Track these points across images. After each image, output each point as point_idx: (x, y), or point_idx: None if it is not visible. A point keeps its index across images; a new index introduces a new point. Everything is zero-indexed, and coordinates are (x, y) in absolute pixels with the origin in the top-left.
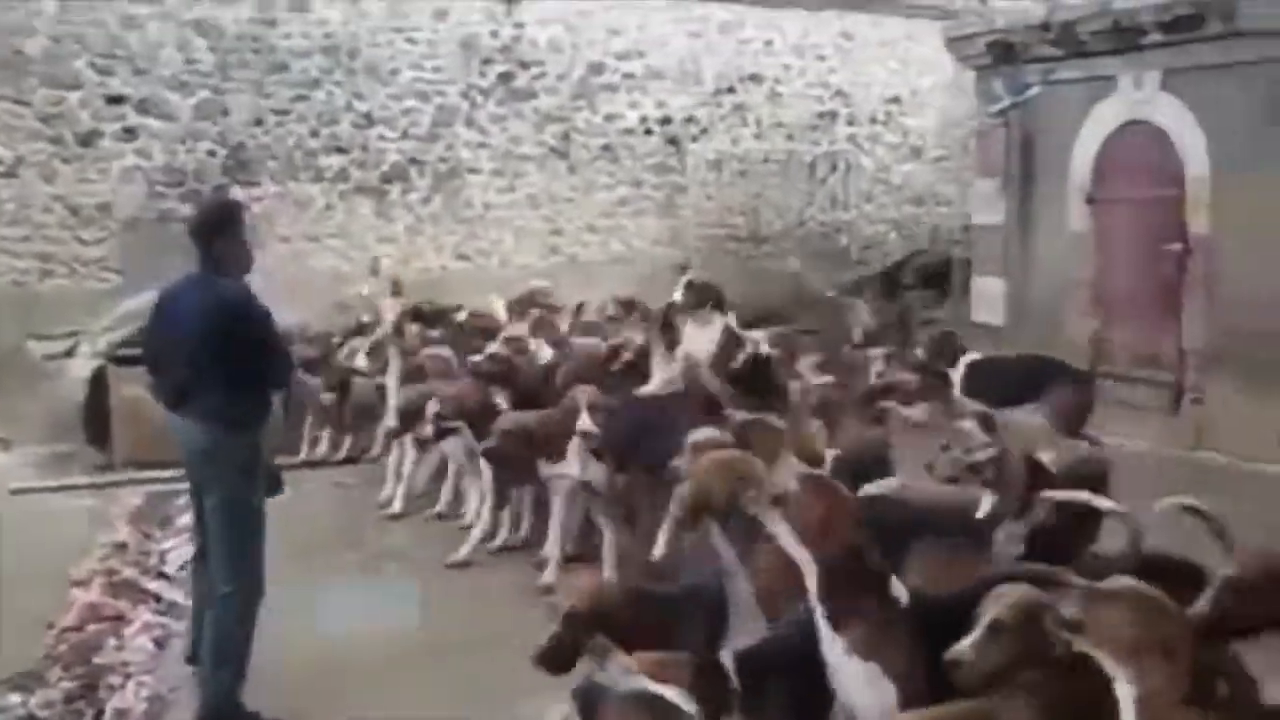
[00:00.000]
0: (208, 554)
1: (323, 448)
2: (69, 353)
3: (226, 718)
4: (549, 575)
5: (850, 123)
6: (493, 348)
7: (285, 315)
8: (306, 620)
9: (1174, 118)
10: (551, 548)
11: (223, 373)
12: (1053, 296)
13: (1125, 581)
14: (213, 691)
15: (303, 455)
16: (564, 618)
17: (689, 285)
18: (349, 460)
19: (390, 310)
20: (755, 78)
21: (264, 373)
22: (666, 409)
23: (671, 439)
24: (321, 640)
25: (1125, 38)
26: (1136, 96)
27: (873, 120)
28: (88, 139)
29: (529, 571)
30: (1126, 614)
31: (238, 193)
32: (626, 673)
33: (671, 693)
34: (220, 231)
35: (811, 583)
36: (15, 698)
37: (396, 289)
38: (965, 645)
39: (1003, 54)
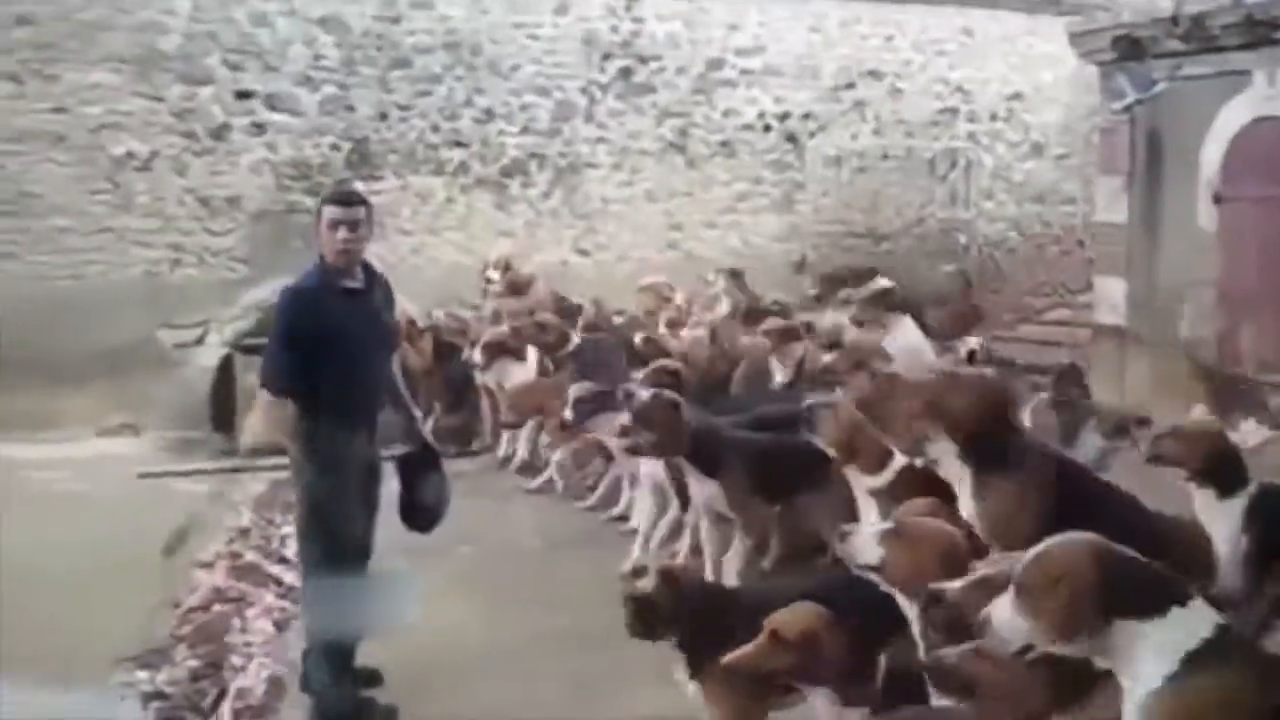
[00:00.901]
0: None
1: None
2: (198, 341)
3: (337, 710)
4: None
5: (971, 119)
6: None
7: (407, 307)
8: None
9: None
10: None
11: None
12: (1177, 296)
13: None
14: (315, 687)
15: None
16: None
17: (866, 301)
18: (464, 454)
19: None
20: (875, 74)
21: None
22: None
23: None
24: (438, 630)
25: (1258, 31)
26: (1269, 92)
27: (993, 117)
28: (219, 133)
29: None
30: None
31: (359, 186)
32: None
33: None
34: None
35: (914, 627)
36: (143, 674)
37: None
38: (953, 585)
39: (1129, 49)
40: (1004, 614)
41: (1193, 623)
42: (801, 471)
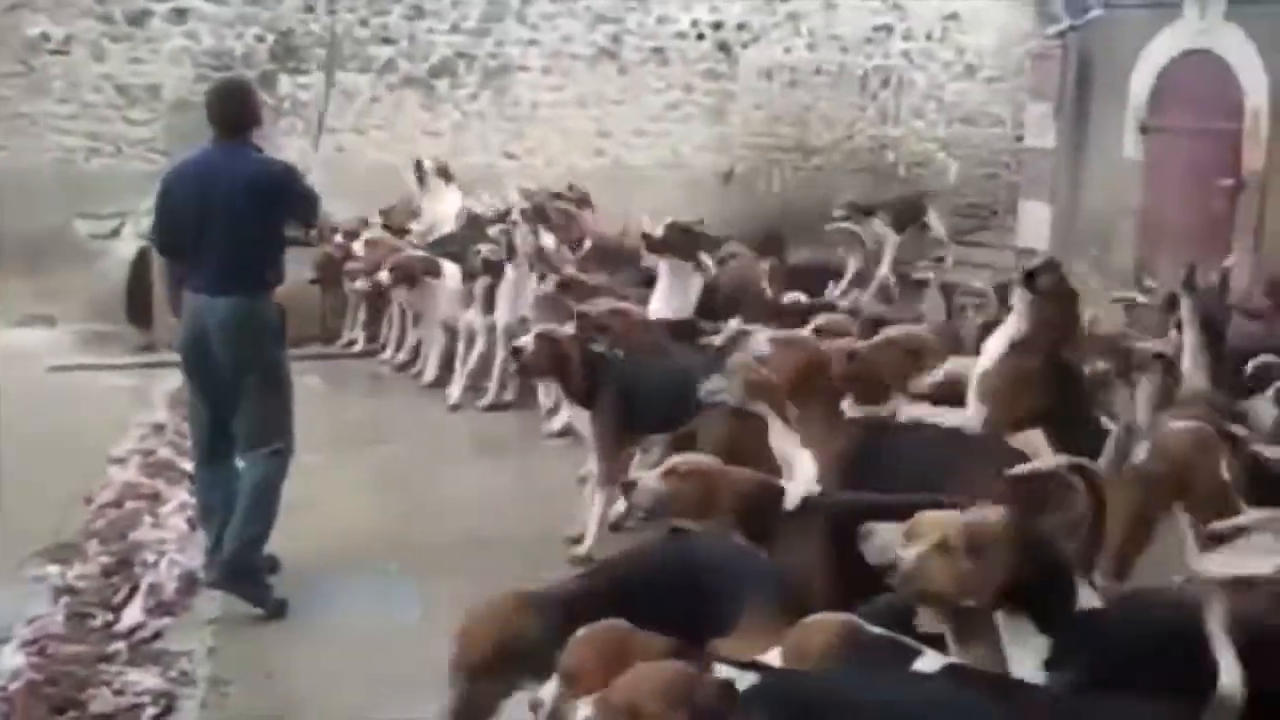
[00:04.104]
0: (241, 425)
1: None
2: (114, 233)
3: (254, 565)
4: None
5: (905, 37)
6: None
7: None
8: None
9: (1236, 48)
10: None
11: (267, 243)
12: (1101, 224)
13: None
14: (242, 543)
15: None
16: None
17: None
18: (369, 353)
19: None
20: None
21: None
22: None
23: None
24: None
25: None
26: (1200, 25)
27: (928, 36)
28: (138, 19)
29: None
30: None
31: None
32: None
33: None
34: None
35: None
36: (54, 569)
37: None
38: (908, 554)
39: None
40: None
41: None
42: None
